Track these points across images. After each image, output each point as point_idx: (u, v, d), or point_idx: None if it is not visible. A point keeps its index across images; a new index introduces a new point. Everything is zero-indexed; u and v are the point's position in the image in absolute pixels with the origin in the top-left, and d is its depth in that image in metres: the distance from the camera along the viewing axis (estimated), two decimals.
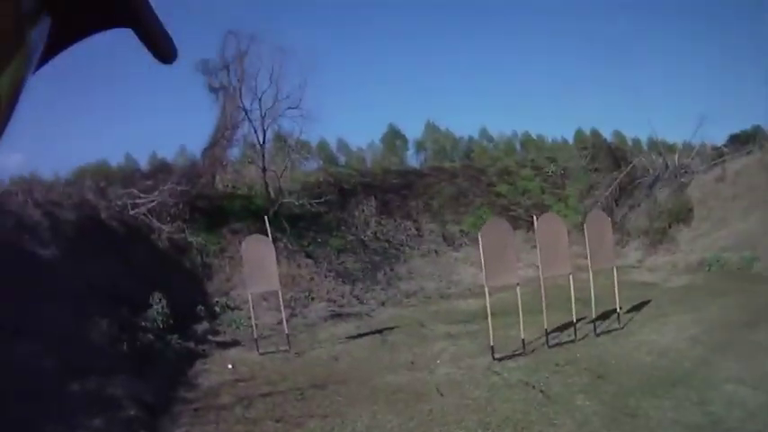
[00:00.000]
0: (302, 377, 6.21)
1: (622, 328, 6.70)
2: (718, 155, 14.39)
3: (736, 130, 17.91)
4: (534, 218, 6.89)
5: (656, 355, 5.72)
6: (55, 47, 0.37)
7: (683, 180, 13.63)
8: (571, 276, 6.45)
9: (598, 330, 6.62)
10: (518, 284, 6.25)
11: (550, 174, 16.13)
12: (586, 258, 6.80)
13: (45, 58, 0.36)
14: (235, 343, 8.02)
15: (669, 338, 6.14)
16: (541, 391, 5.08)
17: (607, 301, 6.85)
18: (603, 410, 4.57)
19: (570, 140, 20.03)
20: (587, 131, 20.17)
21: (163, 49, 0.39)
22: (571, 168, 16.04)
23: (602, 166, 15.49)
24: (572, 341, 6.38)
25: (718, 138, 17.67)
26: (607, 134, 19.61)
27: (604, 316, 6.89)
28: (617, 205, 13.83)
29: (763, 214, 10.24)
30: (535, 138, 20.53)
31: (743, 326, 5.84)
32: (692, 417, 4.09)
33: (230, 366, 6.83)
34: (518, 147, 20.08)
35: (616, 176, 14.21)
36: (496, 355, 5.93)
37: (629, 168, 14.57)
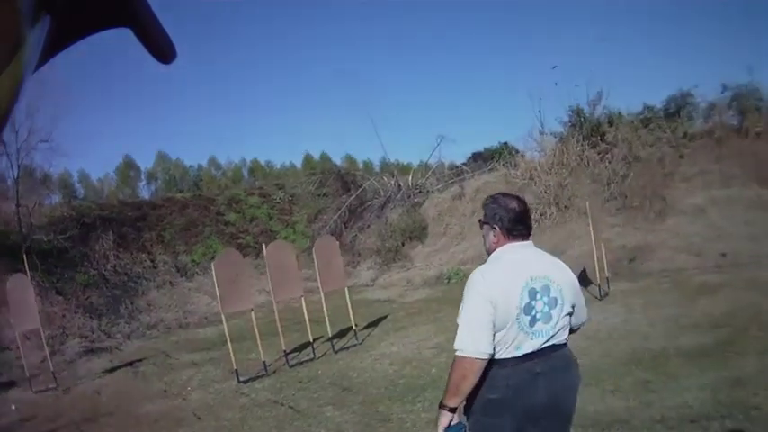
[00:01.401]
0: (75, 412, 7.61)
1: (361, 343, 8.34)
2: (456, 173, 17.72)
3: (479, 148, 21.70)
4: (263, 245, 8.30)
5: (399, 364, 7.23)
6: (54, 47, 0.41)
7: (416, 200, 16.52)
8: (303, 299, 8.06)
9: (336, 347, 8.13)
10: (252, 310, 7.76)
11: (278, 200, 19.05)
12: (317, 281, 8.41)
13: (44, 59, 0.40)
14: (11, 383, 9.53)
15: (411, 349, 7.84)
16: (291, 407, 6.18)
17: (343, 321, 8.64)
18: (355, 419, 5.70)
19: (299, 166, 23.35)
20: (316, 156, 23.91)
21: (162, 50, 0.44)
22: (299, 194, 19.16)
23: (331, 191, 18.51)
24: (311, 359, 7.79)
25: (460, 158, 21.56)
26: (338, 159, 23.08)
27: (341, 334, 8.61)
28: (346, 228, 16.61)
29: None
30: (263, 164, 23.82)
31: None
32: None
33: (14, 407, 8.22)
34: (246, 174, 23.15)
35: (345, 200, 17.14)
36: (241, 378, 7.22)
37: (359, 191, 17.49)
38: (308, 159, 27.10)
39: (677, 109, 14.35)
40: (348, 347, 8.28)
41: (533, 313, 2.41)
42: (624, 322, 7.80)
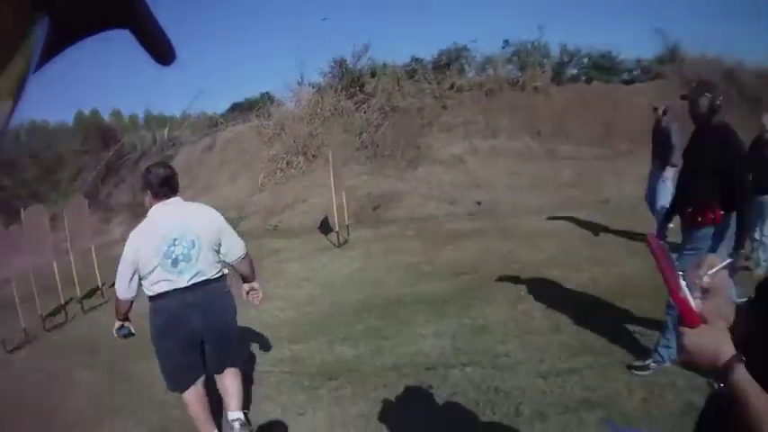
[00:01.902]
0: None
1: (107, 301, 8.53)
2: (211, 125, 18.26)
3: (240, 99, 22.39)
4: (22, 210, 8.28)
5: (140, 319, 7.91)
6: (53, 48, 0.42)
7: (170, 153, 16.78)
8: (55, 263, 8.22)
9: (86, 308, 8.46)
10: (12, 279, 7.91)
11: (46, 161, 18.68)
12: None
13: (44, 60, 0.41)
14: None
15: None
16: (48, 372, 6.35)
17: (94, 280, 8.93)
18: (102, 378, 5.91)
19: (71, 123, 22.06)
20: (87, 113, 22.46)
21: (161, 51, 0.46)
22: (64, 153, 18.81)
23: (93, 148, 18.48)
24: (64, 322, 8.03)
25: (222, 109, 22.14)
26: (106, 114, 22.19)
27: (92, 293, 8.89)
28: (103, 184, 16.74)
29: (251, 176, 13.93)
30: (39, 123, 22.20)
31: None
32: None
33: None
34: (24, 136, 21.57)
35: (103, 156, 17.31)
36: (8, 348, 7.32)
37: (117, 147, 17.71)
38: (79, 116, 25.24)
39: (449, 62, 15.51)
40: (97, 307, 8.49)
41: (174, 256, 3.42)
42: (361, 270, 8.21)
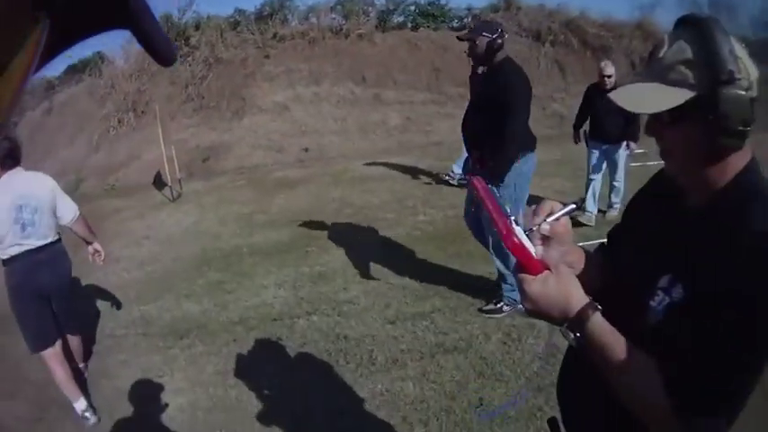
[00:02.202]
0: None
1: None
2: (50, 87, 17.28)
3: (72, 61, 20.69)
4: None
5: None
6: (53, 48, 0.43)
7: (15, 120, 15.98)
8: None
9: None
10: None
11: None
12: None
13: (44, 60, 0.42)
14: None
15: None
16: None
17: None
18: None
19: None
20: None
21: (161, 52, 0.47)
22: None
23: None
24: None
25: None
26: None
27: None
28: None
29: (87, 138, 13.50)
30: None
31: None
32: None
33: None
34: None
35: None
36: None
37: None
38: None
39: (272, 12, 15.69)
40: None
41: (21, 222, 3.78)
42: (196, 223, 8.40)
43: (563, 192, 9.16)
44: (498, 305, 4.80)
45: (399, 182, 9.43)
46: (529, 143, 4.62)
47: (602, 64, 7.00)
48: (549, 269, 1.17)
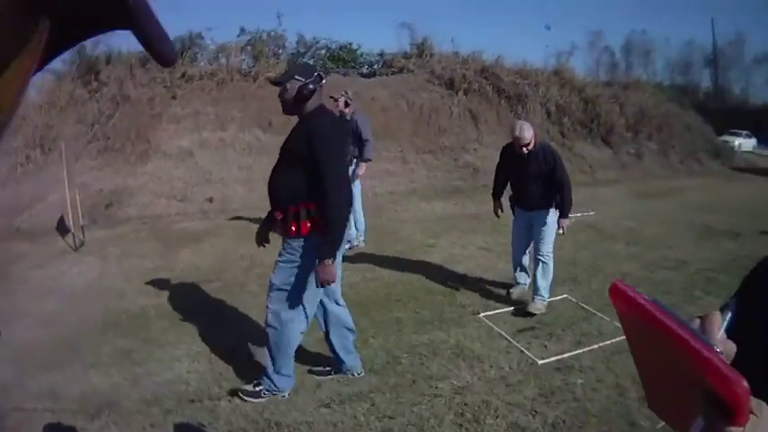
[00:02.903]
0: None
1: None
2: None
3: None
4: None
5: None
6: (54, 49, 0.45)
7: None
8: None
9: None
10: None
11: None
12: None
13: (45, 60, 0.45)
14: None
15: None
16: None
17: None
18: None
19: None
20: None
21: (162, 52, 0.49)
22: None
23: None
24: None
25: None
26: None
27: None
28: None
29: None
30: None
31: None
32: None
33: None
34: None
35: None
36: None
37: None
38: None
39: (182, 50, 16.19)
40: None
41: None
42: (100, 277, 8.35)
43: (487, 248, 9.67)
44: (258, 389, 4.66)
45: None
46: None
47: (517, 132, 6.35)
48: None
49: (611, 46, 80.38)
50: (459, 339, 6.04)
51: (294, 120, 4.53)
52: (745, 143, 38.66)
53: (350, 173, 7.90)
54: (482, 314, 6.77)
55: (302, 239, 4.27)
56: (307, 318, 4.61)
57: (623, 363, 5.52)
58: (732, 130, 39.43)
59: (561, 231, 6.83)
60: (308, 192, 4.18)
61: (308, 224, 4.20)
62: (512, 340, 6.03)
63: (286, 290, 4.45)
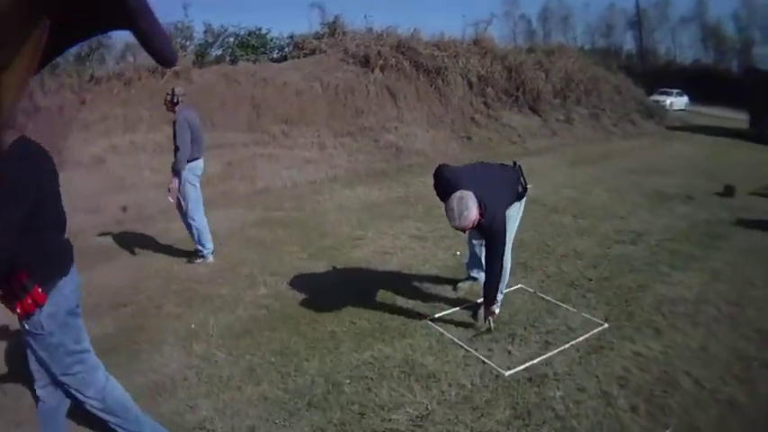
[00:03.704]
0: None
1: None
2: None
3: None
4: None
5: None
6: (55, 49, 0.50)
7: None
8: None
9: None
10: None
11: None
12: None
13: (46, 60, 0.50)
14: None
15: None
16: None
17: None
18: None
19: None
20: None
21: (162, 52, 0.54)
22: None
23: None
24: None
25: None
26: None
27: None
28: None
29: None
30: None
31: None
32: None
33: None
34: None
35: None
36: None
37: None
38: None
39: (90, 51, 16.12)
40: None
41: None
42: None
43: (421, 236, 9.34)
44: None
45: (228, 243, 9.04)
46: None
47: (457, 221, 5.23)
48: None
49: (527, 14, 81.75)
50: (407, 353, 5.54)
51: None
52: (676, 102, 40.06)
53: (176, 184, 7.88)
54: (429, 318, 6.31)
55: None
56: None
57: (603, 363, 5.36)
58: (662, 90, 40.69)
59: (487, 324, 5.92)
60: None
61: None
62: (469, 348, 5.60)
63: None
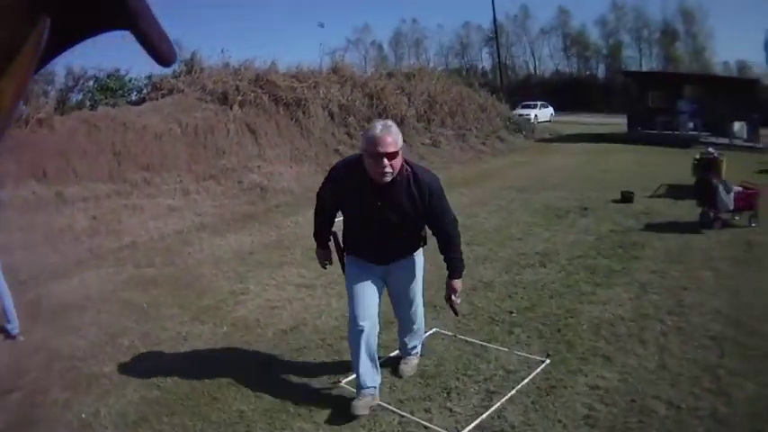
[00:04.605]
0: None
1: None
2: None
3: None
4: None
5: None
6: (55, 49, 0.47)
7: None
8: None
9: None
10: None
11: None
12: None
13: (45, 60, 0.46)
14: None
15: None
16: None
17: None
18: None
19: None
20: None
21: (161, 53, 0.50)
22: None
23: None
24: None
25: None
26: None
27: None
28: None
29: None
30: None
31: None
32: None
33: None
34: None
35: None
36: None
37: None
38: None
39: None
40: None
41: None
42: None
43: (307, 284, 8.62)
44: None
45: (104, 309, 8.20)
46: None
47: (378, 130, 4.44)
48: None
49: (379, 40, 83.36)
50: (333, 428, 4.78)
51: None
52: (541, 114, 42.08)
53: None
54: (344, 381, 5.58)
55: None
56: None
57: (561, 404, 4.95)
58: (525, 103, 42.68)
59: (456, 300, 5.36)
60: None
61: None
62: (403, 413, 4.90)
63: None
